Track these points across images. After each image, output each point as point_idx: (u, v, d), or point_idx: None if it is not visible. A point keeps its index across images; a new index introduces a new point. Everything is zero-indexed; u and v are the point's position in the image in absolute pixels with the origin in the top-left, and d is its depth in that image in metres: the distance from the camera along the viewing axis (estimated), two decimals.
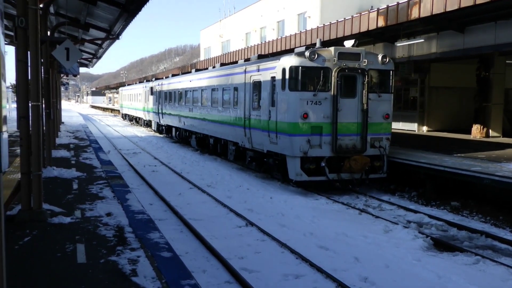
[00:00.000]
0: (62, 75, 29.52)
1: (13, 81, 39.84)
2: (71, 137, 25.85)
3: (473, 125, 23.55)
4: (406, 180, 15.61)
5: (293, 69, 14.24)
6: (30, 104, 8.69)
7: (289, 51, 18.19)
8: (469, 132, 23.89)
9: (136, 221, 8.80)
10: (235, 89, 18.44)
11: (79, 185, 12.01)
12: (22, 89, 8.62)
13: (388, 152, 15.49)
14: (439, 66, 26.82)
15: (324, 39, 21.01)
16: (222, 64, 23.21)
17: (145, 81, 47.36)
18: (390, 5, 17.39)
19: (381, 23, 17.63)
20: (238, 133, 18.15)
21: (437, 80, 27.43)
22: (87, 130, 32.91)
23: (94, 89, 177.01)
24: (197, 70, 26.62)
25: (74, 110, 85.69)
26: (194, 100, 24.56)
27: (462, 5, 14.19)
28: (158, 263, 6.55)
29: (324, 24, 21.46)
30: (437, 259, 8.87)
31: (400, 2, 16.92)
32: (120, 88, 65.52)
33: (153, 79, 43.17)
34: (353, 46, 15.69)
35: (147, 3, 14.41)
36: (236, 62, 22.81)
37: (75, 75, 27.72)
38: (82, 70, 39.36)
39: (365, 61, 14.70)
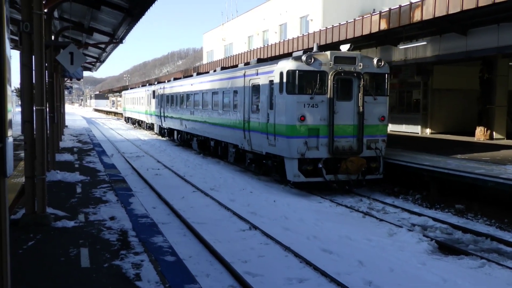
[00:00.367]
0: (66, 79, 29.60)
1: (18, 85, 39.92)
2: (74, 141, 25.89)
3: (477, 127, 23.51)
4: (410, 183, 15.58)
5: (290, 73, 14.60)
6: (34, 108, 8.70)
7: (291, 54, 18.29)
8: (473, 134, 23.84)
9: (140, 224, 8.80)
10: (235, 92, 18.79)
11: (83, 189, 12.01)
12: (26, 93, 8.64)
13: (385, 153, 15.65)
14: (442, 69, 26.80)
15: (327, 42, 21.02)
16: (222, 68, 23.52)
17: (147, 84, 47.67)
18: (392, 8, 17.39)
19: (383, 26, 17.63)
20: (238, 136, 18.49)
21: (440, 82, 27.40)
22: (91, 134, 32.96)
23: (97, 92, 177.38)
24: (198, 74, 27.00)
25: (77, 114, 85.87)
26: (195, 103, 24.90)
27: (465, 8, 14.18)
28: (161, 267, 6.54)
29: (326, 27, 21.47)
30: (442, 263, 8.84)
31: (402, 5, 16.92)
32: (123, 92, 65.80)
33: (156, 82, 43.36)
34: (348, 50, 16.02)
35: (150, 7, 14.47)
36: (237, 65, 23.03)
37: (78, 79, 27.85)
38: (86, 73, 39.53)
39: (360, 65, 15.05)
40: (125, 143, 32.69)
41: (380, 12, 17.92)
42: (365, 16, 18.96)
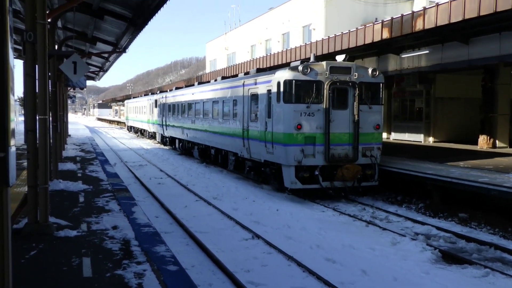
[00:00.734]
0: (69, 88, 29.69)
1: (21, 95, 40.11)
2: (77, 150, 25.92)
3: (480, 136, 23.46)
4: (413, 192, 15.55)
5: (287, 83, 15.02)
6: (37, 118, 8.72)
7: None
8: (476, 143, 23.79)
9: (142, 234, 8.78)
10: (235, 101, 19.20)
11: (86, 198, 12.01)
12: (29, 103, 8.66)
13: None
14: (444, 77, 26.80)
15: (329, 51, 21.10)
16: (223, 78, 23.90)
17: (150, 93, 48.12)
18: (394, 17, 17.45)
19: (385, 35, 17.68)
20: (237, 144, 18.85)
21: (443, 91, 27.40)
22: (94, 143, 33.01)
23: (100, 101, 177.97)
24: (199, 83, 27.36)
25: (80, 123, 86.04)
26: (196, 112, 25.33)
27: (466, 17, 14.22)
28: (164, 277, 6.52)
29: (329, 37, 21.54)
30: (445, 272, 8.79)
31: (404, 14, 16.98)
32: (125, 101, 66.18)
33: (158, 91, 43.75)
34: (344, 60, 16.42)
35: (154, 17, 14.53)
36: (237, 75, 23.31)
37: (82, 88, 27.89)
38: (89, 83, 39.63)
39: (355, 75, 15.41)
40: (128, 152, 32.73)
41: (382, 21, 17.98)
42: (367, 25, 19.02)
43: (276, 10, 42.13)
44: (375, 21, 18.90)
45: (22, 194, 10.47)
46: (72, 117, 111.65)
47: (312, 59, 16.30)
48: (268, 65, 26.69)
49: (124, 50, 21.05)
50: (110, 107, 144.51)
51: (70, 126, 42.94)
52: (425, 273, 8.59)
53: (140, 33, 17.48)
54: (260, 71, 18.77)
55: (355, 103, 15.36)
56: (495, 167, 15.54)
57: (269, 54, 28.26)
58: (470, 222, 12.74)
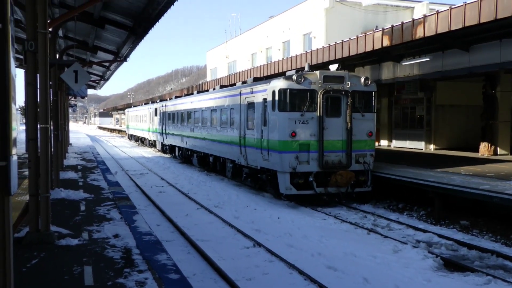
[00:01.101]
0: (70, 97, 29.76)
1: (22, 104, 40.19)
2: (78, 159, 25.94)
3: (481, 143, 23.45)
4: (414, 199, 15.52)
5: (282, 92, 15.43)
6: (39, 126, 8.74)
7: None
8: (477, 150, 23.78)
9: (144, 242, 8.77)
10: (232, 110, 19.68)
11: (87, 207, 12.01)
12: (31, 112, 8.69)
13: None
14: (445, 84, 26.83)
15: (330, 59, 21.13)
16: (221, 86, 24.35)
17: (150, 102, 48.47)
18: (394, 24, 17.50)
19: (386, 42, 17.72)
20: (234, 151, 19.29)
21: (443, 98, 27.42)
22: (95, 151, 33.04)
23: (101, 110, 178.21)
24: (198, 92, 28.16)
25: (81, 132, 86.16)
26: (195, 120, 25.84)
27: (467, 24, 14.24)
28: (165, 286, 6.51)
29: (329, 44, 21.59)
30: (447, 280, 8.76)
31: (404, 21, 17.02)
32: (126, 110, 66.47)
33: (158, 100, 44.08)
34: (337, 69, 16.74)
35: (154, 26, 14.59)
36: (235, 84, 23.75)
37: (83, 97, 28.00)
38: (90, 91, 39.72)
39: (348, 83, 15.86)
40: (129, 160, 32.74)
41: (383, 29, 18.02)
42: (368, 33, 19.07)
43: (276, 18, 42.27)
44: (376, 29, 18.95)
45: (23, 203, 10.47)
46: (73, 126, 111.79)
47: (306, 69, 16.69)
48: (268, 73, 26.74)
49: (125, 58, 21.13)
50: (111, 115, 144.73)
51: (71, 135, 42.99)
52: (427, 281, 8.56)
53: (140, 42, 17.56)
54: (257, 80, 19.21)
55: (348, 111, 15.78)
56: (496, 175, 15.52)
57: (269, 63, 28.31)
58: (471, 229, 12.71)
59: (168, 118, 33.28)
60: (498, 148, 23.25)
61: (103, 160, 27.35)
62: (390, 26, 17.65)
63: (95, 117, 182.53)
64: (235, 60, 51.27)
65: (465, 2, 14.26)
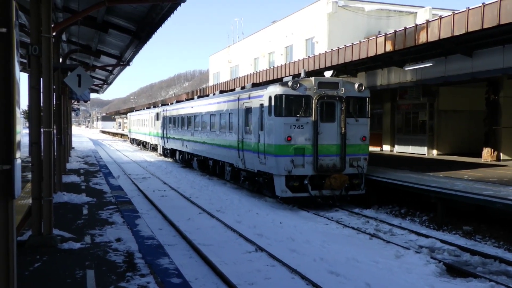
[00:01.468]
0: (73, 101, 29.84)
1: (25, 107, 40.32)
2: (81, 162, 25.97)
3: (484, 148, 23.40)
4: (417, 204, 15.50)
5: (278, 97, 15.89)
6: (42, 130, 8.77)
7: (299, 75, 18.65)
8: (480, 156, 23.73)
9: (146, 246, 8.77)
10: (230, 114, 20.18)
11: (89, 210, 12.02)
12: (34, 115, 8.72)
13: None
14: (448, 90, 26.81)
15: (332, 64, 21.16)
16: (221, 92, 24.83)
17: (152, 106, 48.88)
18: (397, 29, 17.52)
19: (388, 47, 17.73)
20: (233, 155, 19.77)
21: (446, 103, 27.40)
22: (97, 155, 33.07)
23: (104, 114, 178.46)
24: (198, 97, 28.54)
25: (84, 136, 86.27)
26: (195, 125, 26.37)
27: (470, 29, 14.25)
28: None
29: (332, 49, 21.62)
30: (450, 285, 8.74)
31: (407, 27, 17.04)
32: (128, 114, 66.82)
33: (160, 105, 44.41)
34: (331, 76, 17.12)
35: (157, 30, 14.63)
36: (234, 89, 24.18)
37: (86, 101, 28.05)
38: (93, 95, 39.88)
39: (342, 89, 16.31)
40: (131, 164, 32.78)
41: (386, 34, 18.04)
42: (370, 38, 19.09)
43: (279, 23, 42.33)
44: (378, 34, 18.97)
45: (26, 206, 10.48)
46: (76, 130, 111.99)
47: (302, 75, 17.27)
48: (270, 78, 26.80)
49: (128, 63, 21.19)
50: (114, 119, 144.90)
51: (74, 139, 43.06)
52: (430, 287, 8.54)
53: (144, 46, 17.62)
54: (255, 85, 19.64)
55: (342, 116, 16.23)
56: (499, 180, 15.49)
57: (272, 67, 28.34)
58: (474, 235, 12.68)
59: (169, 122, 33.90)
60: (501, 154, 23.20)
61: (106, 164, 27.37)
62: (393, 31, 17.68)
63: (97, 121, 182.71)
64: (237, 64, 51.33)
65: (468, 7, 14.28)
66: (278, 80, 21.63)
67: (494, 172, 18.07)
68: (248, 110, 18.15)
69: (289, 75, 24.29)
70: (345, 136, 16.25)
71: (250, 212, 15.23)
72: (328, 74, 17.43)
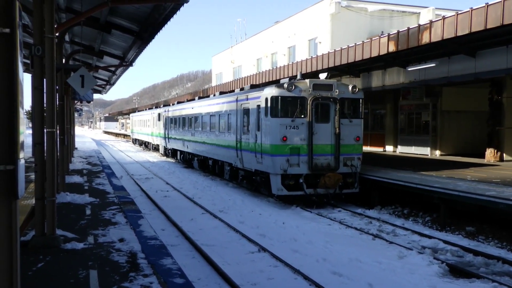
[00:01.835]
0: (76, 101, 29.88)
1: (29, 108, 40.40)
2: (84, 163, 26.01)
3: (487, 149, 23.35)
4: (420, 205, 15.48)
5: (274, 99, 16.43)
6: (45, 131, 8.78)
7: (294, 77, 18.80)
8: (483, 156, 23.68)
9: (149, 246, 8.78)
10: (229, 115, 20.69)
11: (92, 211, 12.03)
12: (37, 116, 8.72)
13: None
14: (451, 90, 26.75)
15: (335, 64, 21.16)
16: (221, 93, 25.12)
17: (154, 107, 49.15)
18: (400, 30, 17.50)
19: (392, 48, 17.72)
20: (232, 155, 20.26)
21: (449, 104, 27.34)
22: (100, 156, 33.11)
23: (107, 115, 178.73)
24: (199, 98, 29.07)
25: (87, 136, 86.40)
26: (196, 125, 26.94)
27: (473, 30, 14.23)
28: None
29: (335, 50, 21.62)
30: (453, 286, 8.72)
31: (410, 27, 17.02)
32: (130, 114, 67.05)
33: (162, 105, 44.72)
34: (326, 78, 17.35)
35: (160, 31, 14.65)
36: (233, 91, 24.19)
37: (88, 102, 28.05)
38: (96, 96, 39.83)
39: (337, 91, 16.79)
40: (134, 165, 32.83)
41: (389, 35, 18.03)
42: (373, 39, 19.08)
43: (282, 23, 42.33)
44: (381, 35, 18.95)
45: (29, 206, 10.50)
46: (79, 130, 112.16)
47: (298, 77, 17.74)
48: (273, 79, 26.81)
49: (130, 63, 21.21)
50: (117, 120, 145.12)
51: (77, 139, 43.13)
52: (432, 287, 8.53)
53: (146, 47, 17.62)
54: (253, 87, 19.98)
55: (336, 117, 16.70)
56: (502, 181, 15.46)
57: (274, 68, 28.34)
58: (477, 235, 12.65)
59: (171, 122, 34.47)
60: (504, 154, 23.15)
61: (109, 164, 27.41)
62: (396, 31, 17.66)
63: (100, 121, 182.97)
64: (240, 65, 51.35)
65: (472, 7, 14.25)
66: (278, 81, 21.66)
67: (497, 172, 18.03)
68: (246, 111, 18.61)
69: (291, 76, 24.34)
70: (339, 136, 16.71)
71: (252, 213, 15.24)
72: (322, 76, 17.83)
